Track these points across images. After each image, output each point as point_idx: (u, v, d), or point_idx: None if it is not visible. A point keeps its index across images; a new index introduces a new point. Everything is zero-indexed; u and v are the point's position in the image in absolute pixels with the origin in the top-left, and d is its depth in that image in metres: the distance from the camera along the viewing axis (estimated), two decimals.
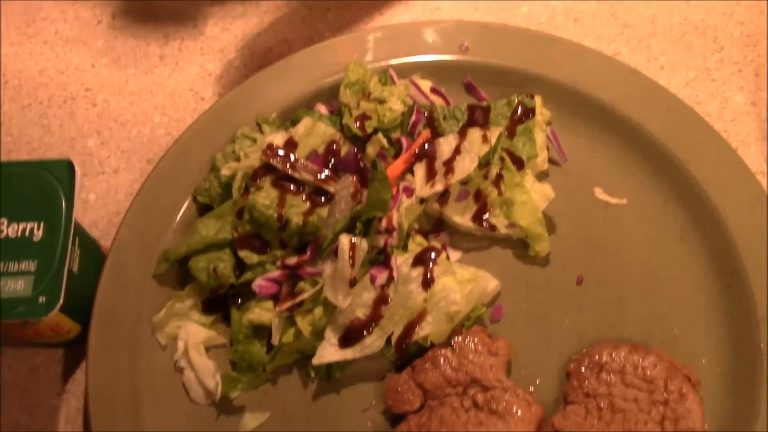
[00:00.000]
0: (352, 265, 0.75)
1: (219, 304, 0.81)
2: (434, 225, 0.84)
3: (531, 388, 0.77)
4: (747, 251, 0.78)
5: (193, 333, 0.79)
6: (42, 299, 0.69)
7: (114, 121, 0.95)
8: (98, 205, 0.91)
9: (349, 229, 0.76)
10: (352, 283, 0.76)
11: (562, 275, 0.82)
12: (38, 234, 0.71)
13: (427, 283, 0.76)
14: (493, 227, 0.82)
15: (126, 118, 0.96)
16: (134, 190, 0.89)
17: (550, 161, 0.87)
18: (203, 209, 0.84)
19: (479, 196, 0.82)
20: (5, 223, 0.72)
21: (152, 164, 0.89)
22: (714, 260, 0.80)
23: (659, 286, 0.81)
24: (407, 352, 0.77)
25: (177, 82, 0.97)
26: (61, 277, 0.69)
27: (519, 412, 0.73)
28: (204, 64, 0.98)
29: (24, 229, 0.71)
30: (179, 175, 0.84)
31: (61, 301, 0.69)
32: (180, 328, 0.80)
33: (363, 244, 0.75)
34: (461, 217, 0.82)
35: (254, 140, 0.85)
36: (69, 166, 0.73)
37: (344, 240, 0.75)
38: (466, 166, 0.79)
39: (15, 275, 0.69)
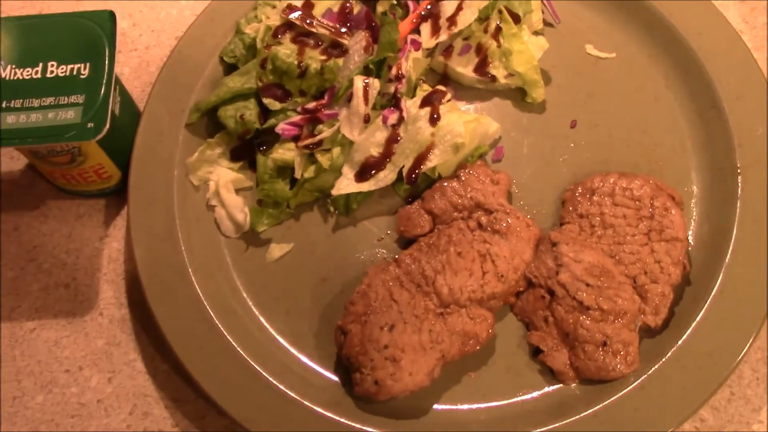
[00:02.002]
0: (366, 103, 0.83)
1: (245, 151, 0.89)
2: (439, 81, 0.92)
3: (529, 217, 0.85)
4: (724, 87, 0.86)
5: (223, 175, 0.87)
6: (90, 125, 0.77)
7: (144, 5, 1.04)
8: (132, 77, 0.99)
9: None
10: (366, 119, 0.84)
11: (556, 120, 0.90)
12: (85, 73, 0.79)
13: (434, 120, 0.84)
14: (493, 78, 0.90)
15: (155, 2, 1.04)
16: None
17: (544, 23, 0.94)
18: (229, 70, 0.92)
19: (480, 50, 0.90)
20: (55, 65, 0.80)
21: None
22: (695, 99, 0.88)
23: (646, 125, 0.89)
24: (417, 184, 0.85)
25: None
26: (107, 107, 0.77)
27: (519, 231, 0.81)
28: None
29: (72, 69, 0.79)
30: (207, 38, 0.92)
31: (107, 127, 0.77)
32: (211, 173, 0.88)
33: (375, 84, 0.84)
34: (464, 68, 0.90)
35: (274, 6, 0.93)
36: (110, 16, 0.82)
37: (358, 81, 0.83)
38: (467, 17, 0.87)
39: (66, 106, 0.78)
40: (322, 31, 0.87)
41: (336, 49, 0.87)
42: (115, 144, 0.84)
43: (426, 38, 0.89)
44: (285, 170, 0.87)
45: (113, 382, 0.83)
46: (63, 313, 0.86)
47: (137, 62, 1.00)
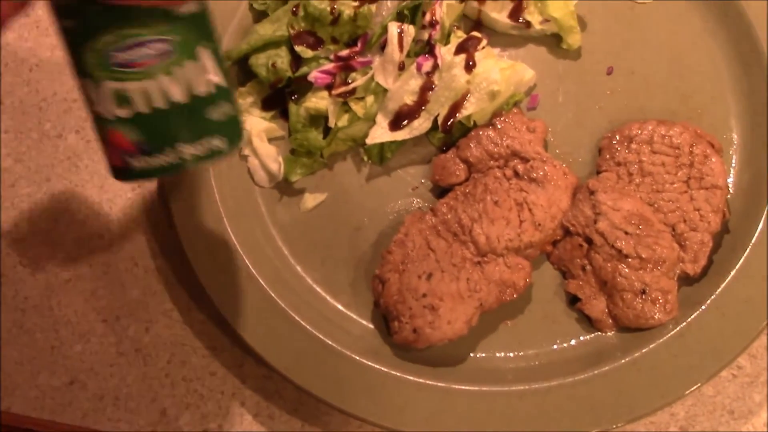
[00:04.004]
0: (401, 50, 0.82)
1: (277, 99, 0.88)
2: (473, 27, 0.90)
3: (565, 165, 0.84)
4: (765, 31, 0.84)
5: (255, 124, 0.86)
6: None
7: None
8: None
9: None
10: (401, 66, 0.83)
11: (593, 66, 0.88)
12: None
13: (469, 67, 0.82)
14: (528, 24, 0.88)
15: None
16: None
17: None
18: (259, 17, 0.90)
19: None
20: None
21: None
22: (734, 44, 0.86)
23: (684, 71, 0.87)
24: (451, 132, 0.84)
25: None
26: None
27: (556, 179, 0.80)
28: None
29: None
30: None
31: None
32: (243, 122, 0.87)
33: (410, 30, 0.82)
34: (498, 14, 0.88)
35: None
36: None
37: (392, 27, 0.82)
38: None
39: None
40: None
41: None
42: None
43: None
44: (318, 119, 0.86)
45: (150, 331, 0.84)
46: (98, 264, 0.86)
47: None
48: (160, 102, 0.55)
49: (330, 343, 0.78)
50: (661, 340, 0.76)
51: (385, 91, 0.84)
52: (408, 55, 0.84)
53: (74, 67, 0.56)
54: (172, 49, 0.54)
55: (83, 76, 0.55)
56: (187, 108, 0.56)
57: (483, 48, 0.83)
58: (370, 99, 0.84)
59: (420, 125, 0.83)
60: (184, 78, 0.55)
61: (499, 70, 0.82)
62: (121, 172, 0.57)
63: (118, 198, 0.89)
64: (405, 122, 0.83)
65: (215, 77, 0.57)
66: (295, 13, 0.85)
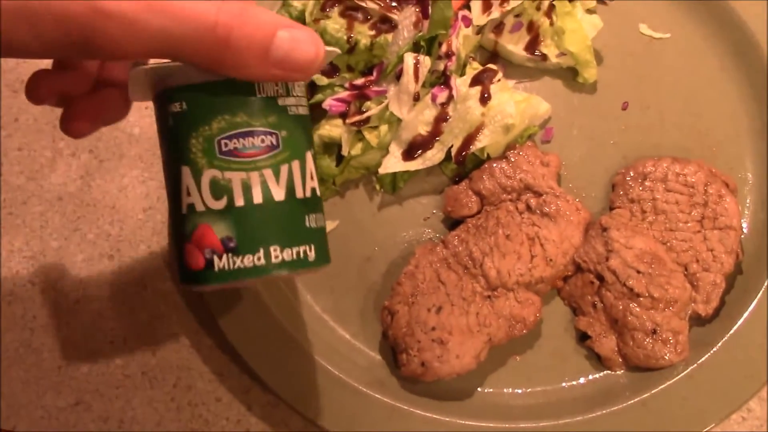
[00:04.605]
0: (416, 80, 0.82)
1: None
2: (488, 59, 0.90)
3: (578, 200, 0.84)
4: None
5: None
6: None
7: None
8: None
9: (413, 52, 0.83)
10: (416, 97, 0.82)
11: (608, 101, 0.88)
12: None
13: (484, 99, 0.82)
14: (544, 57, 0.88)
15: None
16: None
17: (598, 0, 0.92)
18: None
19: (532, 27, 0.88)
20: None
21: None
22: (751, 83, 0.86)
23: (699, 109, 0.87)
24: (465, 163, 0.84)
25: None
26: None
27: (569, 215, 0.80)
28: None
29: None
30: None
31: None
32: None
33: (426, 61, 0.82)
34: (515, 46, 0.88)
35: None
36: None
37: (409, 58, 0.82)
38: None
39: None
40: (371, 5, 0.85)
41: (385, 24, 0.86)
42: None
43: (477, 15, 0.87)
44: (331, 147, 0.86)
45: (157, 354, 0.84)
46: (107, 285, 0.86)
47: None
48: (259, 197, 0.53)
49: (337, 373, 0.77)
50: (671, 381, 0.75)
51: (400, 120, 0.84)
52: (423, 86, 0.83)
53: (172, 154, 0.55)
54: (280, 144, 0.54)
55: (182, 163, 0.54)
56: (286, 209, 0.54)
57: (498, 80, 0.83)
58: (384, 128, 0.84)
59: (433, 156, 0.83)
60: (288, 177, 0.54)
61: (514, 104, 0.82)
62: (199, 275, 0.54)
63: (129, 219, 0.89)
64: (418, 152, 0.83)
65: (314, 183, 0.57)
66: None
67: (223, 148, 0.53)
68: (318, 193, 0.58)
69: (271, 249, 0.54)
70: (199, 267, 0.54)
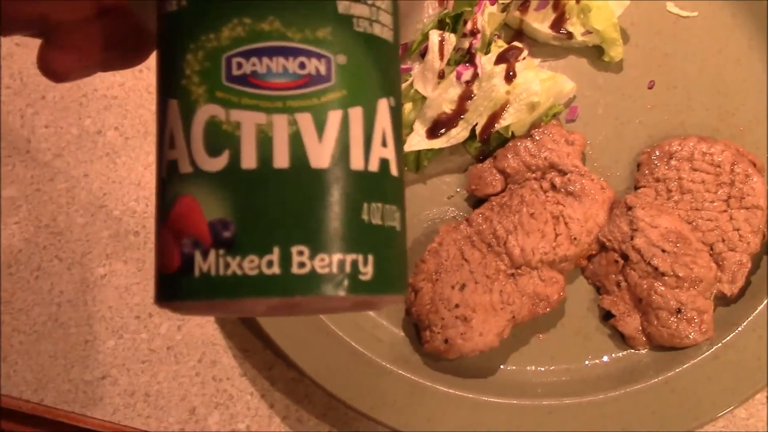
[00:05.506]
0: (441, 58, 0.82)
1: None
2: (513, 37, 0.90)
3: (603, 179, 0.84)
4: None
5: None
6: None
7: None
8: None
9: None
10: (441, 74, 0.82)
11: (633, 80, 0.87)
12: None
13: (509, 77, 0.82)
14: (570, 35, 0.88)
15: None
16: None
17: None
18: None
19: (557, 5, 0.87)
20: None
21: None
22: None
23: (726, 88, 0.86)
24: (489, 142, 0.83)
25: None
26: None
27: (593, 194, 0.79)
28: None
29: None
30: None
31: None
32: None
33: (451, 38, 0.82)
34: (540, 24, 0.88)
35: None
36: None
37: (434, 35, 0.82)
38: None
39: None
40: None
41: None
42: None
43: None
44: None
45: (182, 330, 0.85)
46: (133, 260, 0.87)
47: None
48: (285, 159, 0.32)
49: (360, 349, 0.78)
50: (695, 361, 0.75)
51: (424, 98, 0.83)
52: (448, 64, 0.83)
53: (160, 83, 0.35)
54: (332, 76, 0.33)
55: (169, 95, 0.34)
56: (329, 185, 0.32)
57: (524, 59, 0.83)
58: (408, 106, 0.84)
59: (458, 134, 0.83)
60: (340, 133, 0.33)
61: (539, 82, 0.81)
62: (167, 283, 0.34)
63: (153, 196, 0.89)
64: (443, 130, 0.83)
65: (389, 154, 0.34)
66: None
67: (234, 72, 0.32)
68: (394, 170, 0.35)
69: (294, 250, 0.31)
70: (171, 269, 0.33)
